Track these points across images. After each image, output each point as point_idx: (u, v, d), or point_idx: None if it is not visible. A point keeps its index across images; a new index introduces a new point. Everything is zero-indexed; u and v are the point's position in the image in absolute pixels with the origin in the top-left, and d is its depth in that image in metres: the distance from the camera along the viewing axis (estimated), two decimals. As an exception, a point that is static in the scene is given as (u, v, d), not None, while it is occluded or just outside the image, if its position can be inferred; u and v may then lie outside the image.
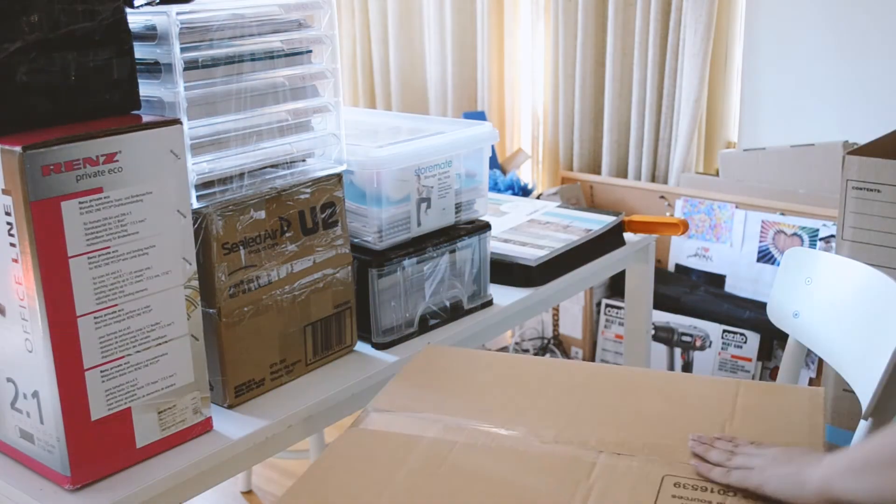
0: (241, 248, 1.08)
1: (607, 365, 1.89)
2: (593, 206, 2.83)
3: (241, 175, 1.09)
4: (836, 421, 1.96)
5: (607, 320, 2.73)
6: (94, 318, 0.91)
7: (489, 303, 1.38)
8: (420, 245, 1.28)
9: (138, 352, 0.96)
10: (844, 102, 2.44)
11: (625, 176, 2.83)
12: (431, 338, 1.28)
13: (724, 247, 2.56)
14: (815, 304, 1.30)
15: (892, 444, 0.79)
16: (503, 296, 1.41)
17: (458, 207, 1.34)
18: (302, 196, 1.13)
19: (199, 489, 1.01)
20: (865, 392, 1.10)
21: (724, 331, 2.50)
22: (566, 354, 2.79)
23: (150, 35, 1.03)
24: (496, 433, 0.96)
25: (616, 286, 2.75)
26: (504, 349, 2.83)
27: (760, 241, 2.49)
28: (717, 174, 2.66)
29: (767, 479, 0.84)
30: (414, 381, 1.09)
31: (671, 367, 2.58)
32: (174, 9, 1.02)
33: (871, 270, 1.22)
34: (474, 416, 0.99)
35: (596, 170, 2.91)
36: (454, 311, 1.34)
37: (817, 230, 2.38)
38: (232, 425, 1.06)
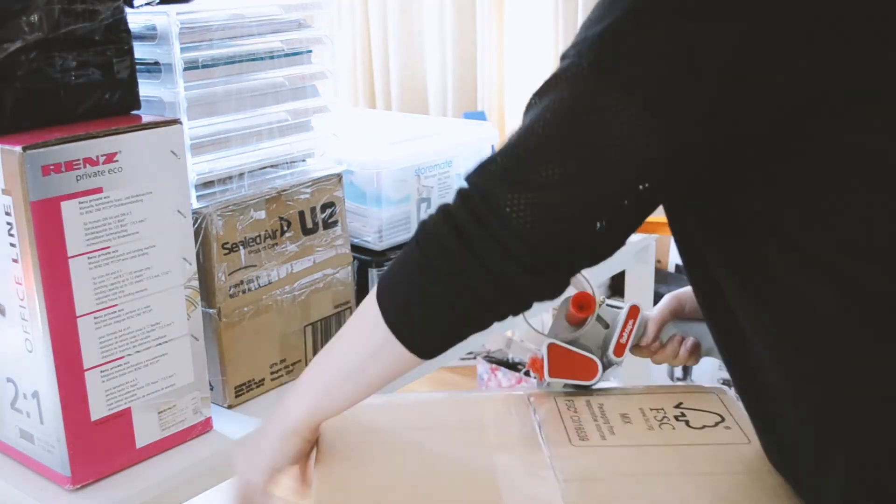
0: (241, 248, 1.08)
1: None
2: (593, 206, 2.82)
3: (241, 175, 1.09)
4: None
5: (607, 320, 2.73)
6: (94, 318, 0.91)
7: (489, 303, 1.38)
8: (420, 245, 1.27)
9: (138, 352, 0.96)
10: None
11: (625, 176, 2.83)
12: (431, 338, 1.28)
13: (724, 247, 2.56)
14: (815, 304, 1.30)
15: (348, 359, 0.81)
16: (503, 296, 1.40)
17: (458, 207, 1.33)
18: (302, 196, 1.13)
19: (199, 489, 1.01)
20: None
21: (724, 331, 2.49)
22: (566, 354, 2.78)
23: (150, 35, 1.03)
24: None
25: (616, 286, 2.75)
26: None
27: (760, 241, 2.49)
28: (717, 174, 2.65)
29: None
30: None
31: (671, 368, 2.58)
32: (174, 9, 1.02)
33: (871, 270, 1.21)
34: None
35: (596, 170, 2.91)
36: (454, 311, 1.33)
37: (817, 230, 2.37)
38: (232, 425, 1.06)
